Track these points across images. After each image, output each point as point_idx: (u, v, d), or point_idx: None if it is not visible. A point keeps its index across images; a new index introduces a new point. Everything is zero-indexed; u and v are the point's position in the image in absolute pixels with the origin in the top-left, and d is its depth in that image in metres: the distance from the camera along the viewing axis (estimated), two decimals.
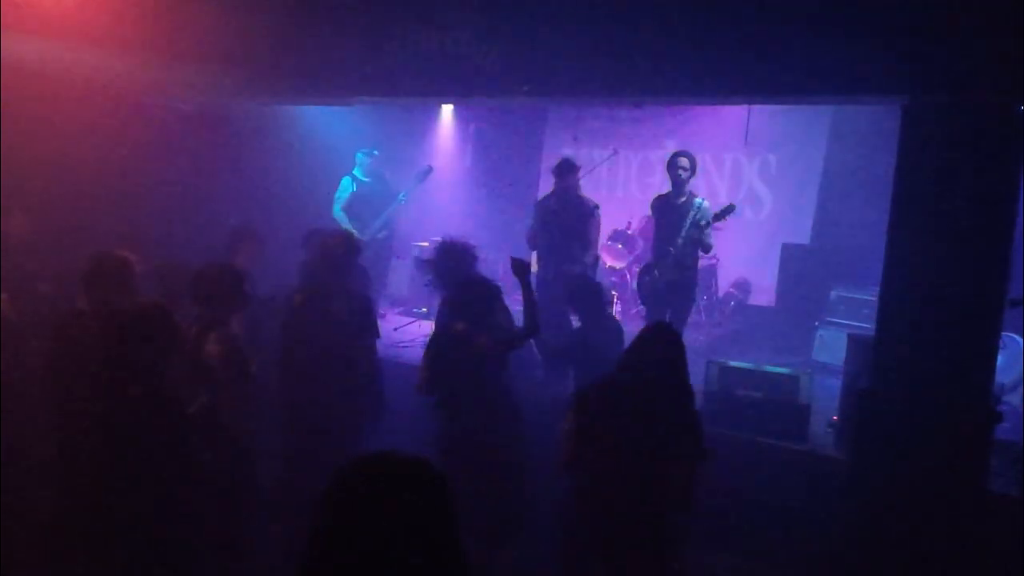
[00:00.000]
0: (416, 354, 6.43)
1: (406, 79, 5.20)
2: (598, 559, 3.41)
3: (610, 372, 3.48)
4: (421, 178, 7.54)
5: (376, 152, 7.54)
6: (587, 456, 3.37)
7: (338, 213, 7.38)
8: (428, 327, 6.90)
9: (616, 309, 7.80)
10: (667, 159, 6.05)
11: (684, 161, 5.89)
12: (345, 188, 7.43)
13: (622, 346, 4.79)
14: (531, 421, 4.22)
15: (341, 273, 4.49)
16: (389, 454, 1.59)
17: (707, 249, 6.00)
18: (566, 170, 6.24)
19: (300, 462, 4.31)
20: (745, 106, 7.70)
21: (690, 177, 5.92)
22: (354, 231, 7.24)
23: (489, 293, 4.13)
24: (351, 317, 4.40)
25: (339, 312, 4.37)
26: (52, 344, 3.72)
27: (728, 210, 5.90)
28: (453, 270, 4.56)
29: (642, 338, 3.47)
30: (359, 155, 7.53)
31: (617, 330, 5.09)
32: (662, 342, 3.42)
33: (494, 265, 7.42)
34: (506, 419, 4.10)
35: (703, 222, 5.84)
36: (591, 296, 5.01)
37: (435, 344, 4.18)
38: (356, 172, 7.50)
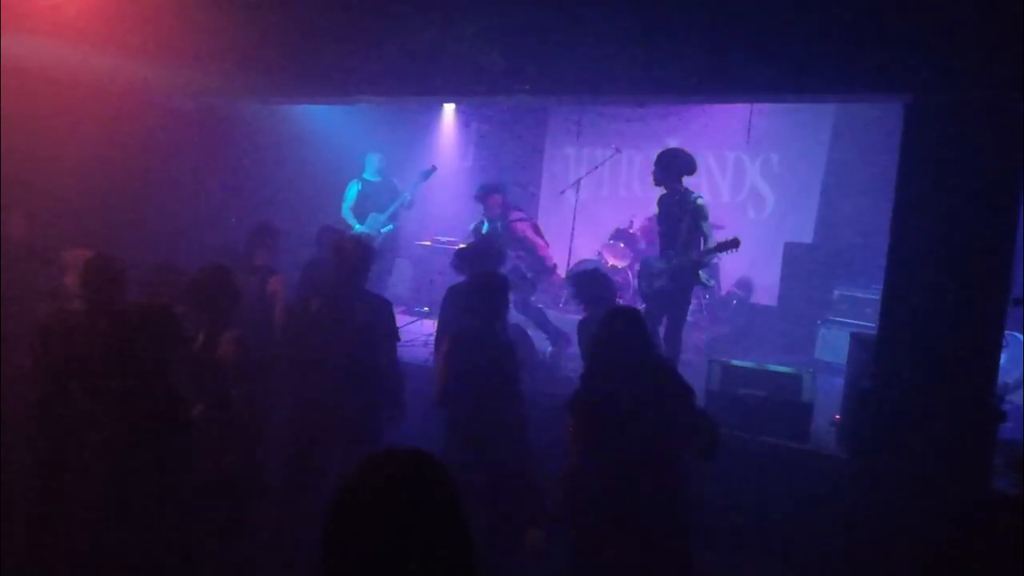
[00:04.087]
0: (417, 353, 6.45)
1: (406, 79, 5.19)
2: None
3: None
4: (424, 177, 7.72)
5: (382, 154, 7.79)
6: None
7: (346, 212, 7.64)
8: (430, 326, 6.90)
9: None
10: None
11: (655, 165, 5.72)
12: (353, 188, 7.70)
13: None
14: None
15: (360, 277, 4.44)
16: (388, 452, 1.58)
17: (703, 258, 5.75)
18: (484, 194, 6.76)
19: (317, 465, 4.22)
20: (747, 105, 7.68)
21: (665, 177, 5.68)
22: (359, 227, 7.41)
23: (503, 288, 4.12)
24: (373, 321, 4.31)
25: (360, 316, 4.29)
26: (40, 343, 3.71)
27: (732, 244, 5.57)
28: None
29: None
30: (368, 156, 7.76)
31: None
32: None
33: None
34: (515, 423, 4.05)
35: (703, 223, 5.71)
36: (592, 286, 4.93)
37: (454, 351, 4.01)
38: (365, 175, 7.76)
